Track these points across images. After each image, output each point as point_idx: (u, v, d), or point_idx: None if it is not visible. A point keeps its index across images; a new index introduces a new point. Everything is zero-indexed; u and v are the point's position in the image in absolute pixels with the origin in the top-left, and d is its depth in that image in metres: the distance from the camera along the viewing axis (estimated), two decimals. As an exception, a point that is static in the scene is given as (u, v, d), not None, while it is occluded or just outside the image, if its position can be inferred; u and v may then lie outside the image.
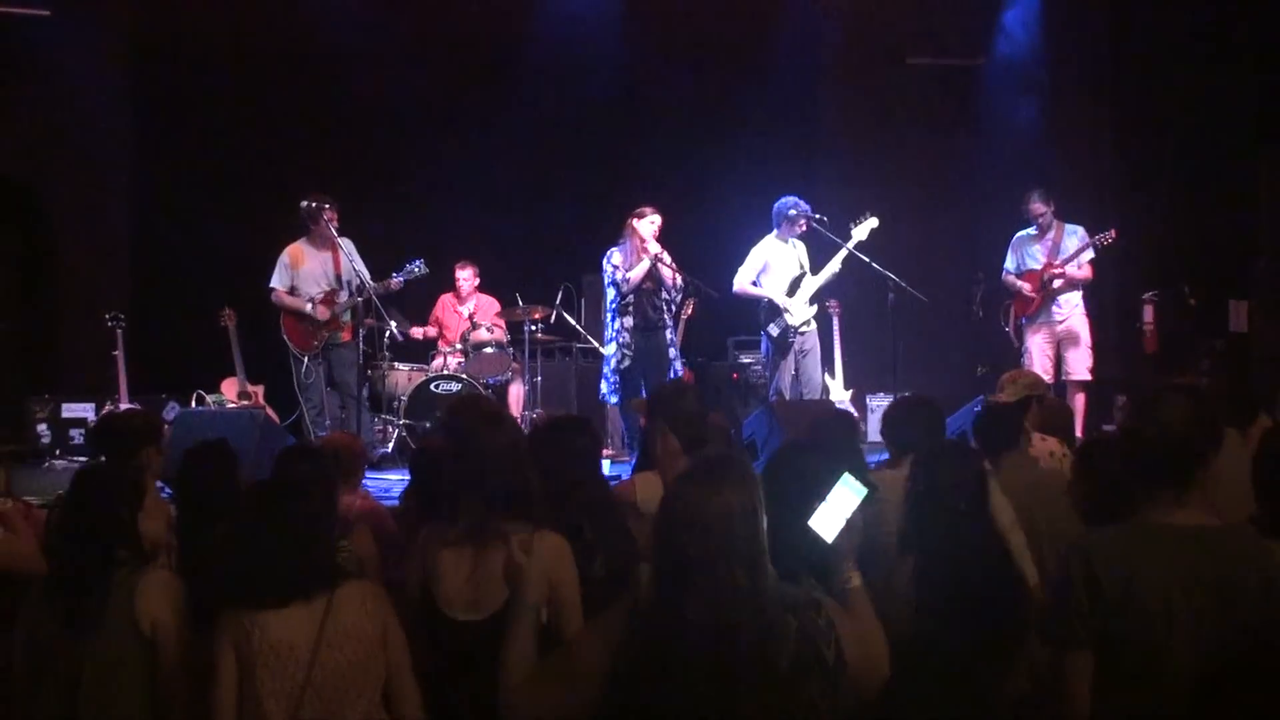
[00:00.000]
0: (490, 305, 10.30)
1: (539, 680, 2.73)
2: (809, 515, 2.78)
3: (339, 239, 8.77)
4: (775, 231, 8.88)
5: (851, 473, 2.82)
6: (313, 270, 8.83)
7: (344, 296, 8.83)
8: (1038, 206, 9.15)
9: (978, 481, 3.55)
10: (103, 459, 4.78)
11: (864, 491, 2.78)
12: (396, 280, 8.85)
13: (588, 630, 2.70)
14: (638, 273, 8.59)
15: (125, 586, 3.42)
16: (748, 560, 2.49)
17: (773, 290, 8.76)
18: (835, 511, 2.78)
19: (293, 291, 8.82)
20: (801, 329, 8.78)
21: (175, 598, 3.46)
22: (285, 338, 8.86)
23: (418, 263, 8.89)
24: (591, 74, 10.89)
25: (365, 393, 9.10)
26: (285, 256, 8.86)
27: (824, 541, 2.77)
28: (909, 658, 2.92)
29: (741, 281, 8.86)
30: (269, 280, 8.86)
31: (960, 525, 3.42)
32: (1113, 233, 8.98)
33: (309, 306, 8.75)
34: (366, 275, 8.76)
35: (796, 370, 8.85)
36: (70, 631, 3.38)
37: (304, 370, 8.78)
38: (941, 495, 3.45)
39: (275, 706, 3.16)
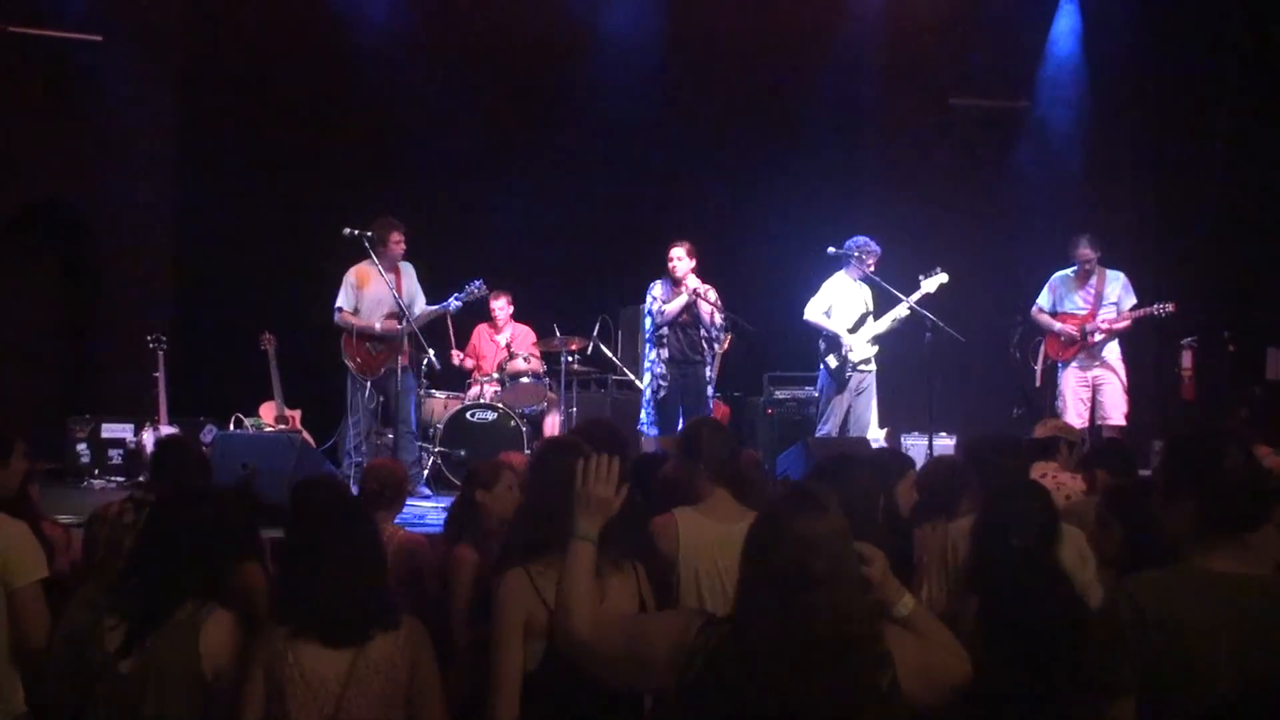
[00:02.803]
0: (526, 335, 10.35)
1: (608, 632, 2.80)
2: None
3: (403, 263, 8.71)
4: (844, 269, 8.95)
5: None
6: (377, 292, 8.65)
7: (404, 321, 8.69)
8: (1085, 252, 9.09)
9: (1045, 519, 3.51)
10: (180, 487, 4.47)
11: None
12: (456, 302, 8.73)
13: (661, 618, 2.79)
14: (673, 307, 8.64)
15: (190, 625, 3.31)
16: (855, 578, 2.61)
17: (838, 325, 8.85)
18: None
19: (356, 313, 8.69)
20: (860, 367, 8.85)
21: (237, 642, 3.34)
22: (346, 360, 8.67)
23: (477, 283, 8.77)
24: (632, 107, 10.93)
25: (415, 419, 8.98)
26: (351, 277, 8.68)
27: None
28: (974, 695, 2.89)
29: (813, 313, 8.94)
30: (333, 300, 8.71)
31: (1026, 564, 3.40)
32: (1171, 305, 8.93)
33: (379, 326, 8.59)
34: (423, 301, 8.70)
35: (848, 408, 8.88)
36: (128, 660, 3.28)
37: (366, 395, 8.59)
38: (1008, 533, 3.43)
39: None
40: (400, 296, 8.62)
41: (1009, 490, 3.75)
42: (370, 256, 8.52)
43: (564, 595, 2.87)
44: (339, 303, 8.72)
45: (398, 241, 8.63)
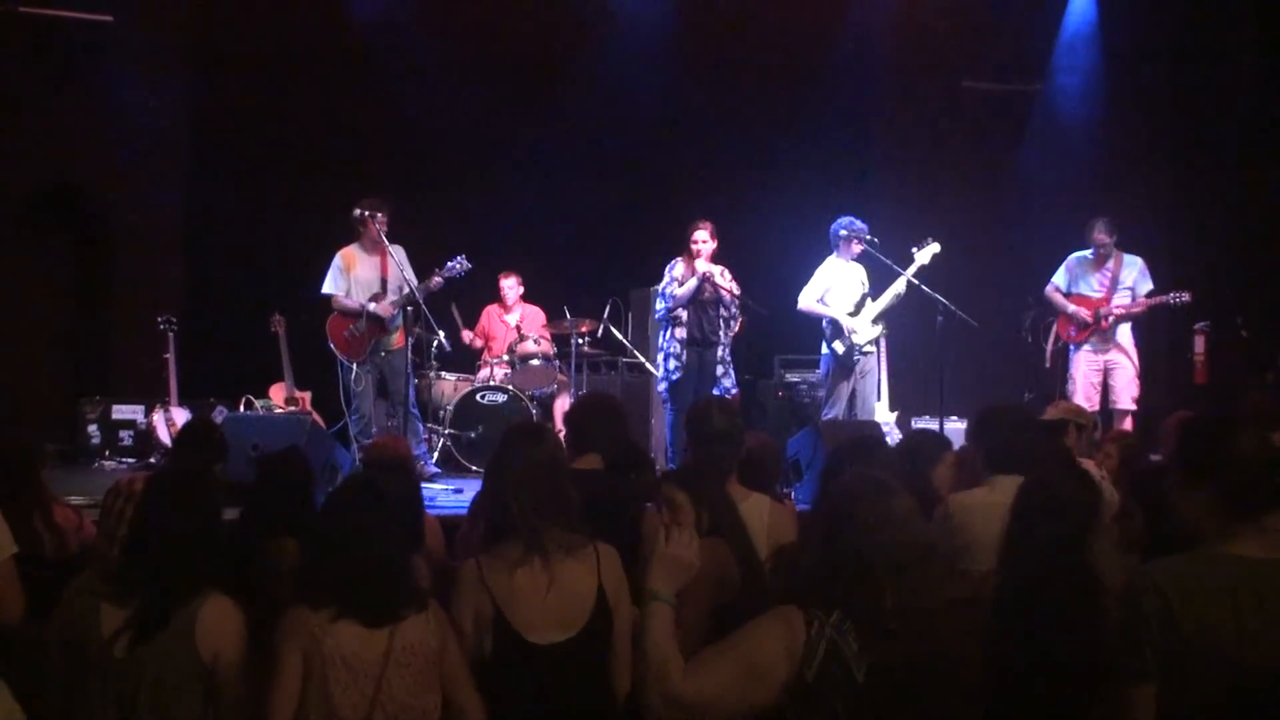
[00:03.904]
0: (536, 316, 10.33)
1: (709, 672, 2.68)
2: None
3: (390, 245, 8.57)
4: (835, 253, 8.87)
5: None
6: (364, 275, 8.66)
7: (388, 301, 8.62)
8: (1101, 236, 9.06)
9: (1084, 510, 3.41)
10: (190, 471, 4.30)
11: None
12: (437, 280, 8.52)
13: (756, 629, 2.70)
14: (684, 290, 8.57)
15: (185, 613, 3.26)
16: None
17: (838, 309, 8.75)
18: None
19: (348, 296, 8.64)
20: (865, 349, 8.75)
21: (237, 626, 3.31)
22: (332, 346, 8.66)
23: (459, 259, 8.57)
24: (643, 88, 10.87)
25: (414, 400, 8.88)
26: (339, 260, 8.67)
27: None
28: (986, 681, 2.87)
29: (807, 300, 8.83)
30: (321, 286, 8.68)
31: (1056, 554, 3.31)
32: (1187, 295, 8.89)
33: (372, 306, 8.54)
34: (415, 282, 8.52)
35: (853, 391, 8.82)
36: (131, 648, 3.24)
37: (354, 378, 8.60)
38: (1045, 521, 3.35)
39: (350, 716, 3.15)
40: (385, 277, 8.61)
41: (1046, 480, 3.63)
42: (356, 239, 8.65)
43: (650, 663, 2.68)
44: (329, 289, 8.67)
45: (381, 225, 8.54)
